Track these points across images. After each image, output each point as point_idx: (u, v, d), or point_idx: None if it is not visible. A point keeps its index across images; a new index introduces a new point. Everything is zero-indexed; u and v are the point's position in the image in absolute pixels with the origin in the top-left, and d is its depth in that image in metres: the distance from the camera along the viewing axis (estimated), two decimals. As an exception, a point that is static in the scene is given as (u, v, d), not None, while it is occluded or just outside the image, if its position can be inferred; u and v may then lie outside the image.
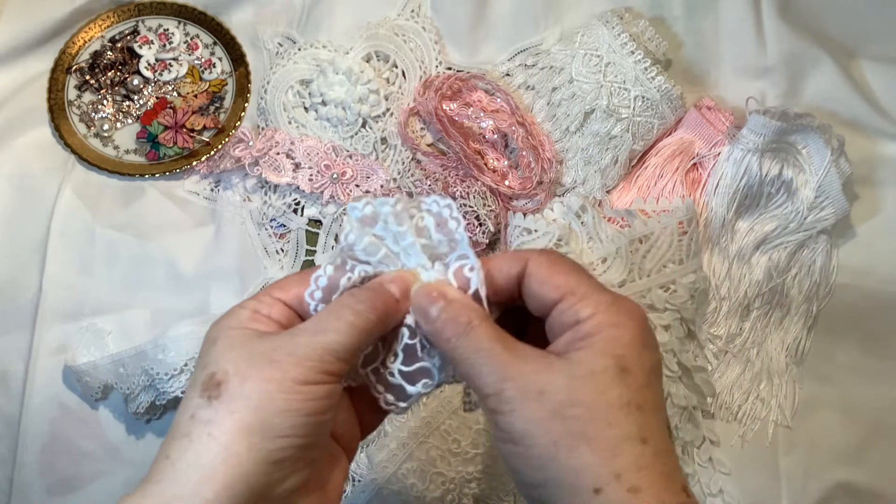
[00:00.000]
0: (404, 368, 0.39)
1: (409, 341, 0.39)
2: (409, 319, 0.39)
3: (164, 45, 0.73)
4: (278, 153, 0.69)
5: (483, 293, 0.38)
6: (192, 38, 0.73)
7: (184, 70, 0.72)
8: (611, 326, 0.36)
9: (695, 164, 0.69)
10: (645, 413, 0.35)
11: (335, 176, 0.68)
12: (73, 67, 0.72)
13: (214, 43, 0.73)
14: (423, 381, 0.39)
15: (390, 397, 0.39)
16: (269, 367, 0.35)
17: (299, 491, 0.36)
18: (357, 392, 0.42)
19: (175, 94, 0.72)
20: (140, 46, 0.72)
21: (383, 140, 0.70)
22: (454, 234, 0.39)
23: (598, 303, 0.36)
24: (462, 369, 0.37)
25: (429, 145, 0.70)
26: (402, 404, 0.40)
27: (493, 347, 0.36)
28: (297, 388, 0.35)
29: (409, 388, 0.39)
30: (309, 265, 0.69)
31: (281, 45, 0.72)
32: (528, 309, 0.39)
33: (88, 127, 0.71)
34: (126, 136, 0.71)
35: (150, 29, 0.73)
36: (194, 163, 0.69)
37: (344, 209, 0.68)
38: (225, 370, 0.36)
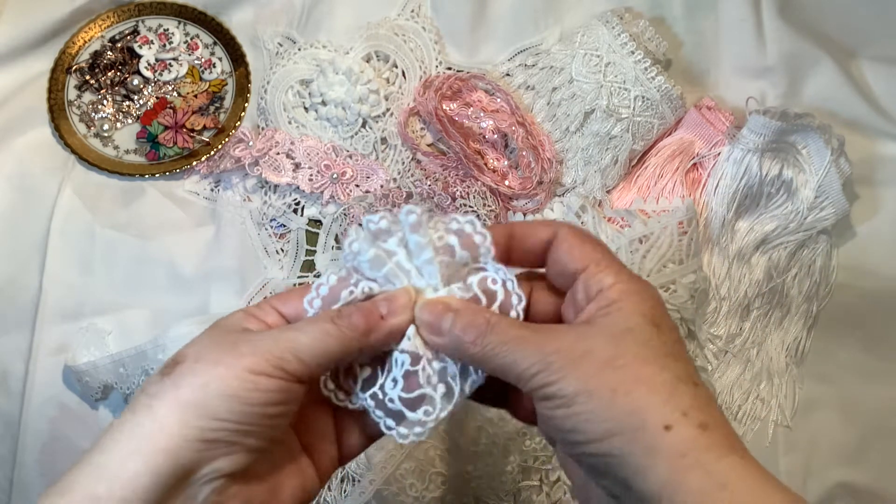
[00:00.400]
0: (404, 395, 0.39)
1: (411, 368, 0.38)
2: (409, 345, 0.38)
3: (164, 45, 0.73)
4: (278, 153, 0.69)
5: (518, 303, 0.39)
6: (192, 38, 0.73)
7: (184, 70, 0.72)
8: (634, 293, 0.37)
9: (695, 164, 0.69)
10: (688, 363, 0.36)
11: (335, 176, 0.68)
12: (73, 67, 0.72)
13: (214, 43, 0.73)
14: (425, 408, 0.38)
15: (391, 422, 0.39)
16: (228, 353, 0.36)
17: (237, 480, 0.36)
18: (343, 415, 0.42)
19: (175, 94, 0.72)
20: (140, 46, 0.72)
21: (383, 140, 0.70)
22: (479, 248, 0.39)
23: (619, 272, 0.38)
24: (496, 364, 0.37)
25: (429, 145, 0.70)
26: (403, 430, 0.39)
27: (522, 333, 0.37)
28: (246, 375, 0.35)
29: (410, 415, 0.39)
30: (309, 265, 0.69)
31: (281, 45, 0.72)
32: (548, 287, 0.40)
33: (88, 127, 0.71)
34: (126, 136, 0.71)
35: (150, 29, 0.73)
36: (194, 163, 0.69)
37: (344, 209, 0.68)
38: (185, 353, 0.36)
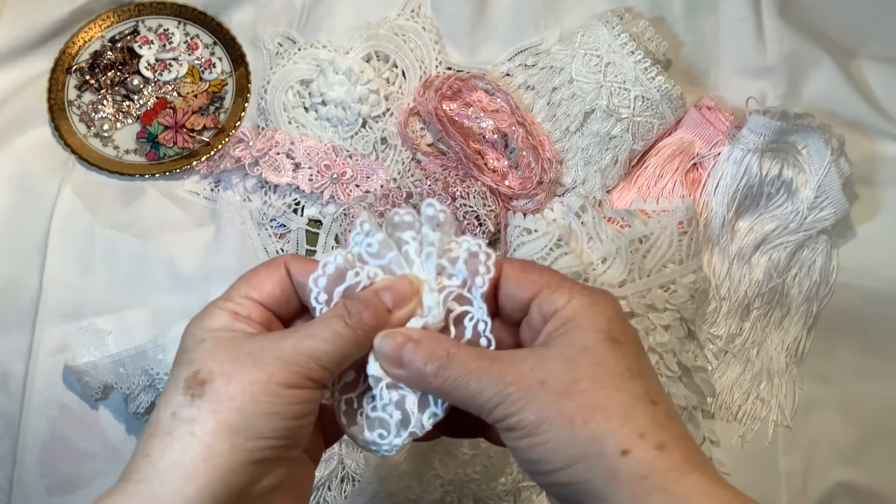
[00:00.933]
0: (371, 415, 0.39)
1: (372, 391, 0.39)
2: (372, 368, 0.39)
3: (164, 45, 0.73)
4: (278, 153, 0.69)
5: (487, 345, 0.39)
6: (192, 38, 0.73)
7: (184, 70, 0.72)
8: (590, 306, 0.37)
9: (695, 164, 0.69)
10: (647, 378, 0.36)
11: (335, 176, 0.68)
12: (73, 67, 0.72)
13: (214, 43, 0.73)
14: (379, 431, 0.39)
15: (352, 431, 0.40)
16: (255, 369, 0.35)
17: (276, 491, 0.37)
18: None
19: (175, 94, 0.72)
20: (140, 46, 0.72)
21: (383, 140, 0.70)
22: (476, 278, 0.39)
23: (572, 289, 0.37)
24: (457, 396, 0.37)
25: (429, 145, 0.70)
26: (362, 441, 0.39)
27: (480, 365, 0.36)
28: (281, 391, 0.35)
29: (366, 434, 0.39)
30: (309, 265, 0.69)
31: (281, 45, 0.72)
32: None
33: (88, 127, 0.71)
34: (126, 136, 0.71)
35: (150, 29, 0.73)
36: (194, 163, 0.69)
37: (344, 209, 0.68)
38: (210, 369, 0.36)
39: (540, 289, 0.38)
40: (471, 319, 0.39)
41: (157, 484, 0.34)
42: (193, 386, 0.35)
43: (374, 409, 0.39)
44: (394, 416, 0.39)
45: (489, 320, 0.39)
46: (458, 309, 0.39)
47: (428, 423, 0.39)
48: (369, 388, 0.40)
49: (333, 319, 0.37)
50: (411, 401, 0.39)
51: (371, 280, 0.39)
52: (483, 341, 0.39)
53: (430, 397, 0.39)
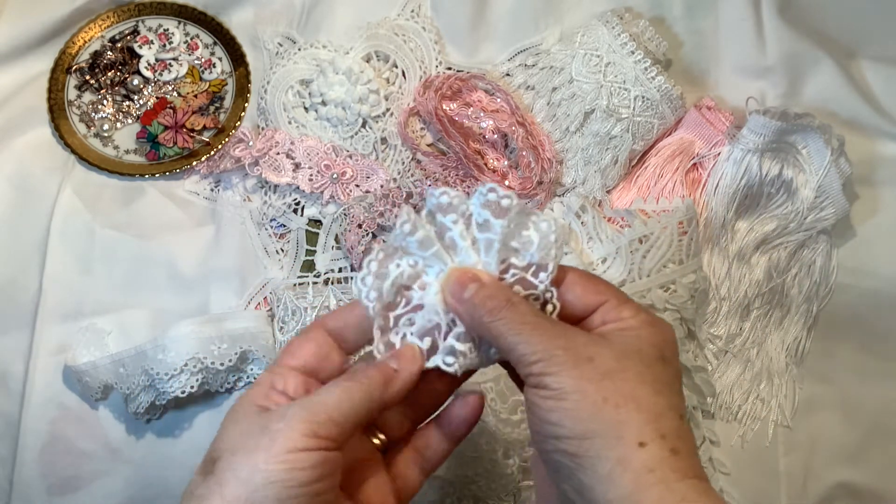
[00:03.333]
0: (408, 336, 0.40)
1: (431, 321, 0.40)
2: (433, 299, 0.40)
3: (164, 45, 0.73)
4: (278, 153, 0.69)
5: (552, 299, 0.40)
6: (192, 38, 0.73)
7: (184, 70, 0.72)
8: (651, 325, 0.39)
9: (695, 164, 0.69)
10: (681, 397, 0.38)
11: (335, 176, 0.68)
12: (73, 67, 0.72)
13: (214, 43, 0.73)
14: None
15: (381, 347, 0.40)
16: (260, 438, 0.36)
17: None
18: (394, 456, 0.43)
19: (175, 94, 0.72)
20: (140, 46, 0.72)
21: (383, 140, 0.70)
22: (550, 252, 0.40)
23: (638, 308, 0.39)
24: (504, 341, 0.38)
25: (429, 145, 0.70)
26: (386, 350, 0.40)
27: (538, 321, 0.38)
28: (284, 457, 0.35)
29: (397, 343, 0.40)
30: (309, 265, 0.69)
31: (281, 45, 0.72)
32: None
33: (88, 127, 0.71)
34: (126, 136, 0.71)
35: (150, 29, 0.73)
36: (194, 163, 0.69)
37: (344, 209, 0.68)
38: (219, 448, 0.37)
39: (609, 298, 0.40)
40: (535, 300, 0.40)
41: None
42: (207, 464, 0.36)
43: (411, 333, 0.40)
44: (424, 343, 0.40)
45: (555, 291, 0.40)
46: (521, 293, 0.40)
47: (447, 361, 0.40)
48: (413, 310, 0.40)
49: (340, 378, 0.39)
50: (452, 334, 0.40)
51: (410, 273, 0.40)
52: (549, 308, 0.40)
53: (459, 342, 0.40)
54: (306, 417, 0.36)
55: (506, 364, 0.42)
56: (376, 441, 0.43)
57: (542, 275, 0.40)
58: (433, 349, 0.40)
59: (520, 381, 0.42)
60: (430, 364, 0.40)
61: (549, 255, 0.40)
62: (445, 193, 0.39)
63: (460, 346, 0.40)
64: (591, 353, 0.37)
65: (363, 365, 0.39)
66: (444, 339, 0.40)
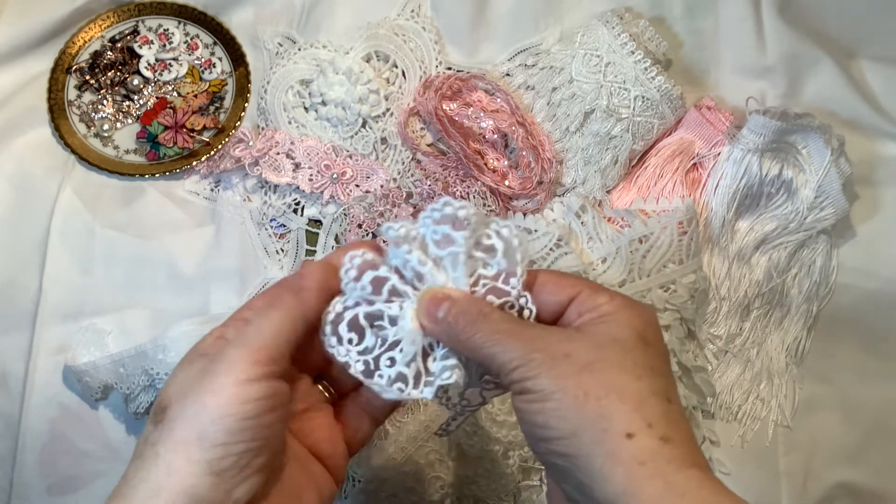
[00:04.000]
0: (390, 372, 0.40)
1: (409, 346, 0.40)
2: (410, 324, 0.39)
3: (164, 45, 0.73)
4: (278, 153, 0.69)
5: (527, 305, 0.40)
6: (192, 38, 0.73)
7: (184, 70, 0.72)
8: (629, 308, 0.38)
9: (695, 164, 0.69)
10: (668, 380, 0.37)
11: (335, 176, 0.68)
12: (73, 67, 0.72)
13: (214, 43, 0.73)
14: (399, 385, 0.40)
15: (371, 383, 0.40)
16: (204, 379, 0.36)
17: (260, 503, 0.37)
18: (344, 406, 0.43)
19: (175, 94, 0.72)
20: (140, 46, 0.72)
21: (383, 140, 0.70)
22: (515, 258, 0.40)
23: (612, 293, 0.39)
24: (483, 353, 0.38)
25: (429, 145, 0.70)
26: (382, 391, 0.40)
27: (512, 328, 0.38)
28: (230, 391, 0.36)
29: (386, 388, 0.40)
30: (309, 265, 0.69)
31: (281, 45, 0.72)
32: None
33: (88, 127, 0.71)
34: (126, 136, 0.71)
35: (150, 29, 0.73)
36: (194, 163, 0.69)
37: (344, 209, 0.68)
38: (168, 394, 0.37)
39: (581, 289, 0.39)
40: (511, 307, 0.40)
41: (128, 502, 0.35)
42: (157, 413, 0.37)
43: (392, 365, 0.40)
44: (411, 369, 0.39)
45: (529, 295, 0.40)
46: (495, 302, 0.40)
47: (444, 377, 0.39)
48: (389, 349, 0.40)
49: (262, 310, 0.39)
50: (435, 355, 0.40)
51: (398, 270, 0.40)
52: (526, 312, 0.40)
53: (447, 358, 0.40)
54: (244, 354, 0.36)
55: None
56: (326, 394, 0.44)
57: (513, 280, 0.40)
58: (418, 376, 0.40)
59: None
60: (430, 391, 0.39)
61: (516, 259, 0.40)
62: (392, 228, 0.39)
63: (450, 362, 0.39)
64: (568, 350, 0.36)
65: (275, 289, 0.40)
66: (433, 361, 0.40)
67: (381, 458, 0.61)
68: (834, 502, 0.65)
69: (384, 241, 0.40)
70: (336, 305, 0.40)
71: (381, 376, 0.40)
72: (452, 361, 0.39)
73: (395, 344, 0.40)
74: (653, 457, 0.34)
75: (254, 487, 0.36)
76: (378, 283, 0.40)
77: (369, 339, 0.40)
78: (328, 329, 0.40)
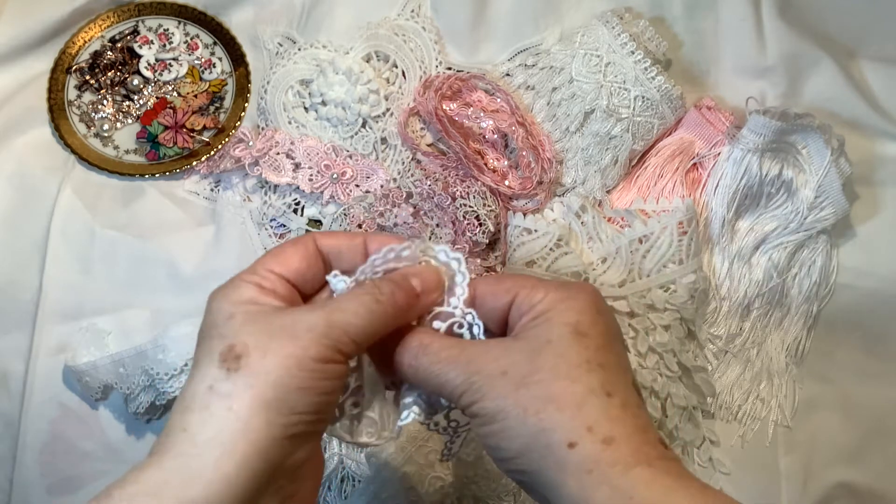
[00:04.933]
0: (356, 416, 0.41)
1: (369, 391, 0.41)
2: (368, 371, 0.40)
3: (164, 45, 0.73)
4: (278, 153, 0.69)
5: (474, 321, 0.40)
6: (192, 38, 0.73)
7: (184, 70, 0.72)
8: (563, 300, 0.38)
9: (695, 164, 0.69)
10: (607, 370, 0.36)
11: (335, 176, 0.68)
12: (73, 67, 0.72)
13: (214, 43, 0.73)
14: (368, 429, 0.40)
15: (339, 432, 0.41)
16: (290, 343, 0.35)
17: (305, 464, 0.37)
18: None
19: (175, 94, 0.72)
20: (140, 46, 0.72)
21: (383, 140, 0.70)
22: (456, 288, 0.40)
23: (548, 287, 0.38)
24: (431, 385, 0.38)
25: (429, 145, 0.70)
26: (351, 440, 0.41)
27: (450, 355, 0.38)
28: (315, 365, 0.35)
29: (356, 434, 0.40)
30: (309, 265, 0.69)
31: (281, 45, 0.72)
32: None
33: (88, 127, 0.71)
34: (126, 136, 0.71)
35: (150, 29, 0.73)
36: (194, 163, 0.69)
37: (344, 209, 0.68)
38: (245, 343, 0.36)
39: (517, 291, 0.39)
40: (460, 327, 0.40)
41: (196, 459, 0.34)
42: (229, 360, 0.35)
43: (356, 407, 0.40)
44: (376, 412, 0.40)
45: (474, 312, 0.40)
46: (442, 326, 0.40)
47: (403, 416, 0.40)
48: (353, 394, 0.40)
49: (364, 296, 0.38)
50: (392, 395, 0.40)
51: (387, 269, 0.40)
52: (475, 329, 0.40)
53: (406, 396, 0.40)
54: (333, 335, 0.36)
55: None
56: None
57: (453, 300, 0.40)
58: (384, 417, 0.41)
59: None
60: (393, 433, 0.41)
61: (454, 280, 0.40)
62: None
63: (407, 400, 0.40)
64: (504, 366, 0.36)
65: (384, 282, 0.39)
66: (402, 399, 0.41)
67: (381, 458, 0.61)
68: (834, 502, 0.65)
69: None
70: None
71: (346, 421, 0.40)
72: (409, 399, 0.40)
73: (358, 389, 0.40)
74: (598, 462, 0.34)
75: (310, 451, 0.37)
76: None
77: None
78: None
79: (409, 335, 0.39)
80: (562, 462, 0.34)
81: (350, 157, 0.69)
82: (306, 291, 0.41)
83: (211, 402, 0.35)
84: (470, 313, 0.40)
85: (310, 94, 0.70)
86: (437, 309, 0.40)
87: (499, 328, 0.40)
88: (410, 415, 0.39)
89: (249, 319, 0.37)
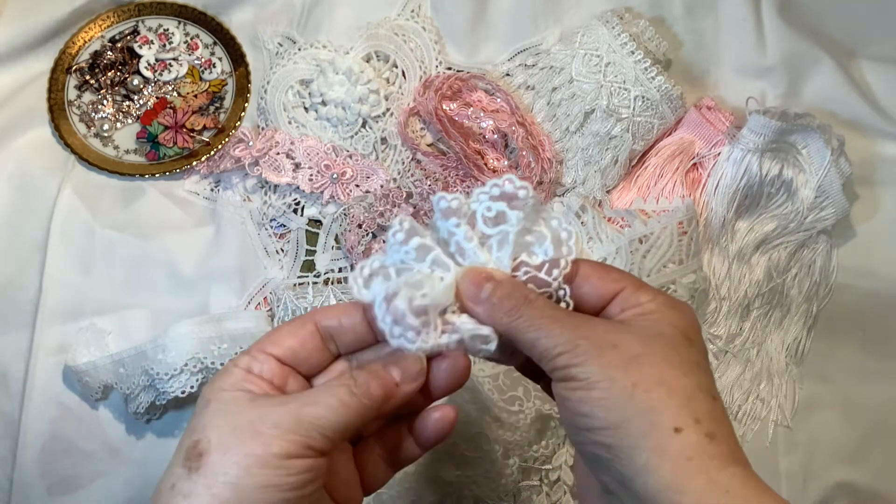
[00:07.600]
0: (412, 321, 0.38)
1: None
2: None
3: (164, 45, 0.73)
4: (278, 153, 0.69)
5: (565, 297, 0.39)
6: (192, 38, 0.73)
7: (184, 70, 0.72)
8: (672, 308, 0.38)
9: (695, 164, 0.69)
10: (710, 376, 0.37)
11: (335, 176, 0.68)
12: (73, 67, 0.72)
13: (214, 43, 0.73)
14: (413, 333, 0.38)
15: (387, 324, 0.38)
16: (252, 440, 0.35)
17: None
18: (363, 447, 0.42)
19: (175, 94, 0.72)
20: (140, 46, 0.72)
21: (383, 140, 0.70)
22: (560, 262, 0.39)
23: (655, 291, 0.39)
24: (525, 338, 0.37)
25: (429, 145, 0.70)
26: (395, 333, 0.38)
27: (557, 314, 0.38)
28: (278, 462, 0.35)
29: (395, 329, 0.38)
30: (309, 265, 0.69)
31: (281, 45, 0.72)
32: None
33: (88, 127, 0.71)
34: (126, 136, 0.71)
35: (150, 29, 0.73)
36: (194, 163, 0.69)
37: (344, 209, 0.68)
38: (208, 439, 0.35)
39: (625, 285, 0.39)
40: (549, 297, 0.39)
41: None
42: (192, 458, 0.35)
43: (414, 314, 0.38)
44: (452, 340, 0.38)
45: (568, 288, 0.39)
46: (535, 291, 0.39)
47: (481, 346, 0.39)
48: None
49: (338, 388, 0.37)
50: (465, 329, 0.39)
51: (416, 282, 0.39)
52: (562, 305, 0.39)
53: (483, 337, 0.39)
54: (300, 431, 0.35)
55: (524, 367, 0.41)
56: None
57: (555, 272, 0.39)
58: (426, 325, 0.38)
59: (536, 380, 0.42)
60: (454, 339, 0.38)
61: (562, 251, 0.39)
62: (445, 199, 0.39)
63: (483, 331, 0.39)
64: (615, 340, 0.36)
65: (359, 372, 0.38)
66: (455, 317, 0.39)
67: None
68: (834, 502, 0.65)
69: (425, 218, 0.39)
70: (374, 262, 0.39)
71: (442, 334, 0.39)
72: (485, 331, 0.38)
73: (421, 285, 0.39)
74: (699, 452, 0.34)
75: None
76: (423, 251, 0.39)
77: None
78: (360, 281, 0.39)
79: (512, 286, 0.38)
80: (663, 445, 0.34)
81: (350, 157, 0.69)
82: (304, 371, 0.40)
83: (171, 500, 0.35)
84: (564, 289, 0.39)
85: (310, 94, 0.70)
86: (535, 273, 0.39)
87: (588, 313, 0.40)
88: (492, 345, 0.38)
89: (220, 411, 0.37)
